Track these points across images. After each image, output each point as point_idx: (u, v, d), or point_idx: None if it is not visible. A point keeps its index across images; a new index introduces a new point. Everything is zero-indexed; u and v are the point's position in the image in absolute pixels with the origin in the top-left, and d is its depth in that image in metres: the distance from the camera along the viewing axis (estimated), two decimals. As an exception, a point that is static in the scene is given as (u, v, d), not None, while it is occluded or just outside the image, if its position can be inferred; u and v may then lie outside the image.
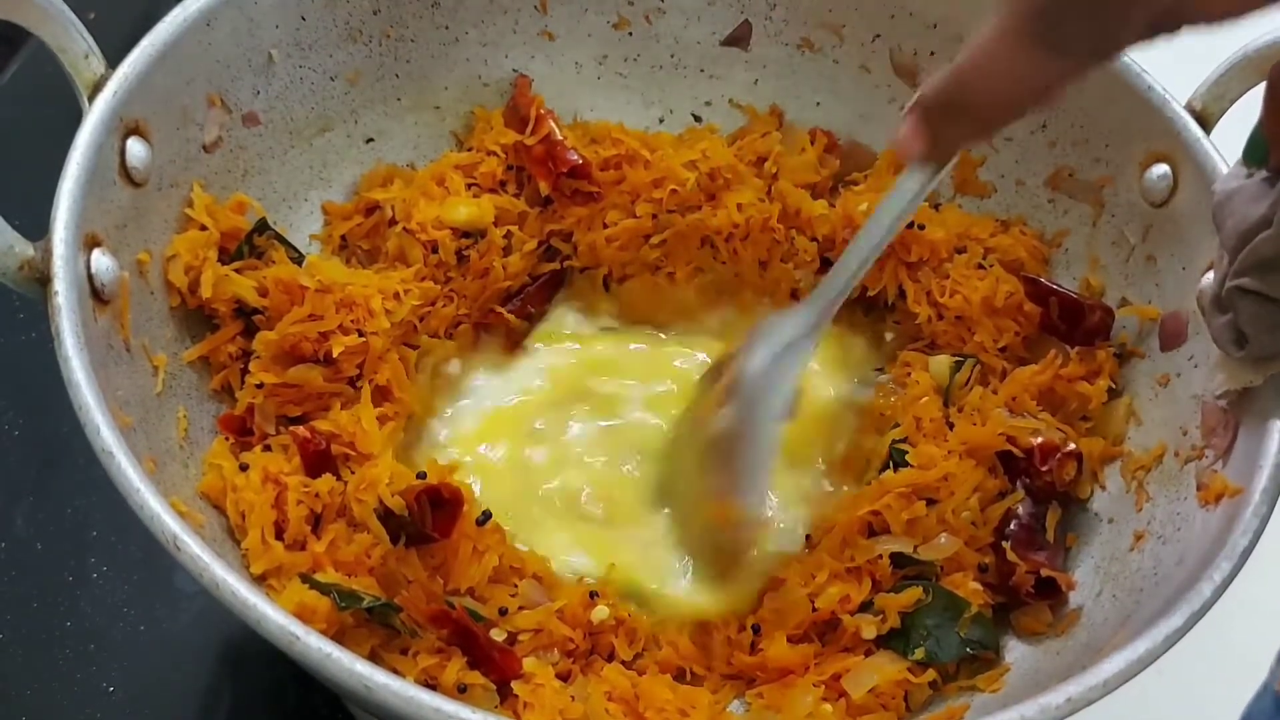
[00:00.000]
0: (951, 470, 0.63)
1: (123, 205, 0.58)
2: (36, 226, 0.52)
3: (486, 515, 0.60)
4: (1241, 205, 0.51)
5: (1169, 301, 0.65)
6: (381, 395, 0.64)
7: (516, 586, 0.60)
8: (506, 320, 0.72)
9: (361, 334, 0.63)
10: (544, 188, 0.72)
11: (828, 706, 0.57)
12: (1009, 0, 0.42)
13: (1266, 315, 0.51)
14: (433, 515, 0.57)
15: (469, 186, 0.71)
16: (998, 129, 0.48)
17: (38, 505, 0.69)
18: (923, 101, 0.48)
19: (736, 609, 0.62)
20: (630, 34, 0.77)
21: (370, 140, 0.74)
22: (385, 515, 0.57)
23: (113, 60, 0.58)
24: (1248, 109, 0.51)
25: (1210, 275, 0.55)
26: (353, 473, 0.59)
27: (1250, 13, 0.40)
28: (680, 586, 0.63)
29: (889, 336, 0.73)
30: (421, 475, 0.58)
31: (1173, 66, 0.66)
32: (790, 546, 0.65)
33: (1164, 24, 0.41)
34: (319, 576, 0.55)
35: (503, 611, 0.58)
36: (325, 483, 0.59)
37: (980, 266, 0.71)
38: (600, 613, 0.59)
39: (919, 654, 0.58)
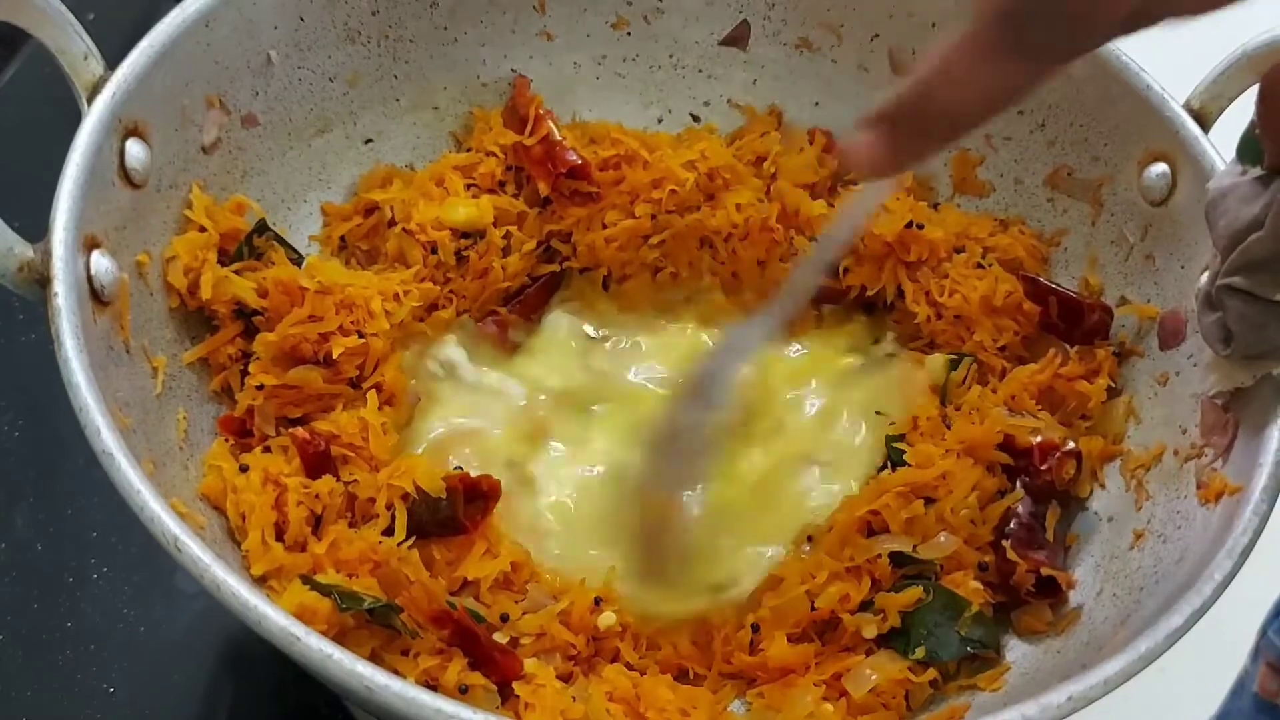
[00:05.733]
0: (949, 469, 0.63)
1: (122, 207, 0.57)
2: (36, 228, 0.52)
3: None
4: (1234, 205, 0.51)
5: (1168, 300, 0.65)
6: (381, 396, 0.64)
7: (525, 593, 0.60)
8: (506, 321, 0.72)
9: (361, 335, 0.63)
10: (543, 188, 0.72)
11: (828, 706, 0.57)
12: (976, 7, 0.41)
13: (1253, 314, 0.52)
14: (466, 507, 0.59)
15: (468, 187, 0.71)
16: (962, 137, 0.46)
17: (38, 505, 0.69)
18: (885, 113, 0.45)
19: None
20: (629, 34, 0.77)
21: (369, 141, 0.74)
22: (413, 505, 0.58)
23: (112, 62, 0.58)
24: (1246, 108, 0.51)
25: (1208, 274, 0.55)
26: (353, 475, 0.60)
27: (1222, 7, 0.40)
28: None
29: (888, 336, 0.73)
30: (458, 467, 0.61)
31: (1172, 66, 0.66)
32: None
33: (1134, 23, 0.40)
34: (319, 578, 0.55)
35: (504, 618, 0.58)
36: (325, 484, 0.59)
37: (979, 266, 0.70)
38: (607, 619, 0.59)
39: (919, 653, 0.58)
